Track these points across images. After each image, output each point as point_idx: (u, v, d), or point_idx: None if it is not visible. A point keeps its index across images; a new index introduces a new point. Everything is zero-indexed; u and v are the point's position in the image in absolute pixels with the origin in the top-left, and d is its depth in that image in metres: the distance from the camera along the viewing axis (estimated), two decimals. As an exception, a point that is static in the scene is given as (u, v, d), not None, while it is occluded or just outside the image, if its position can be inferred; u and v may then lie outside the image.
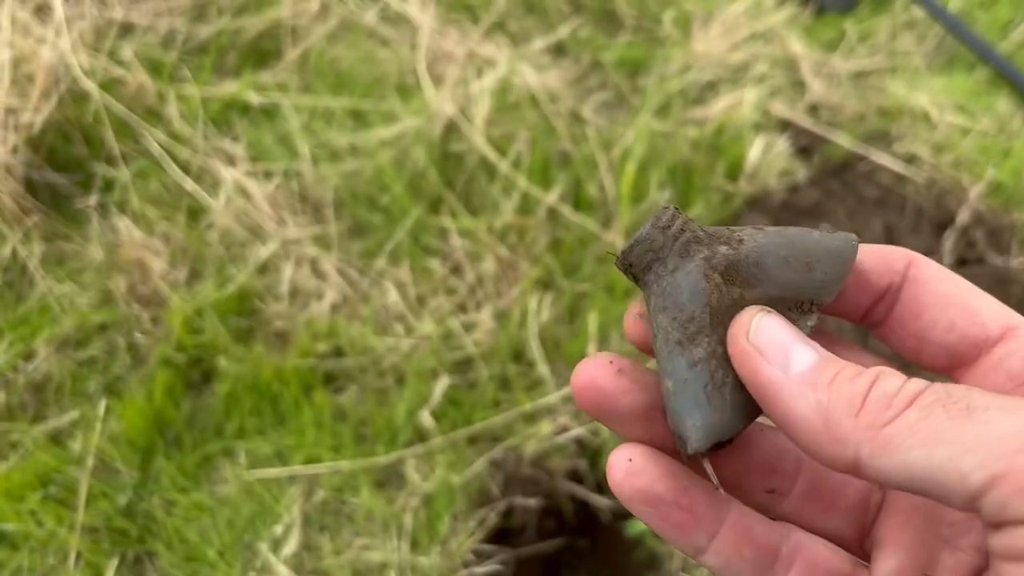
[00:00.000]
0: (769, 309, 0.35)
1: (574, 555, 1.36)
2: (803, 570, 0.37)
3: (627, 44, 1.70)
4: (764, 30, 1.70)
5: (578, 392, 0.36)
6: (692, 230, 0.37)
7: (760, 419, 0.38)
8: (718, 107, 1.52)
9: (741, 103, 1.53)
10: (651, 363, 0.38)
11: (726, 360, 0.35)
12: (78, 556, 1.10)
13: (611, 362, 0.36)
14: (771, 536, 0.37)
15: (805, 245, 0.37)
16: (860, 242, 0.38)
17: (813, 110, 1.59)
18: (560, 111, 1.47)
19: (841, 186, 1.46)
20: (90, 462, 1.16)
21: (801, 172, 1.49)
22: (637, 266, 0.37)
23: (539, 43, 1.69)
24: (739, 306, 0.36)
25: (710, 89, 1.61)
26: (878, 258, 0.37)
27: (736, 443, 0.38)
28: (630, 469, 0.35)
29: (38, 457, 1.18)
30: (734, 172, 1.46)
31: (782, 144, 1.50)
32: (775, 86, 1.61)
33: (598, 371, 0.36)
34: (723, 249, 0.36)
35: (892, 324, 0.37)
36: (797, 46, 1.66)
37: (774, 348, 0.32)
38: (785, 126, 1.55)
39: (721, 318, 0.35)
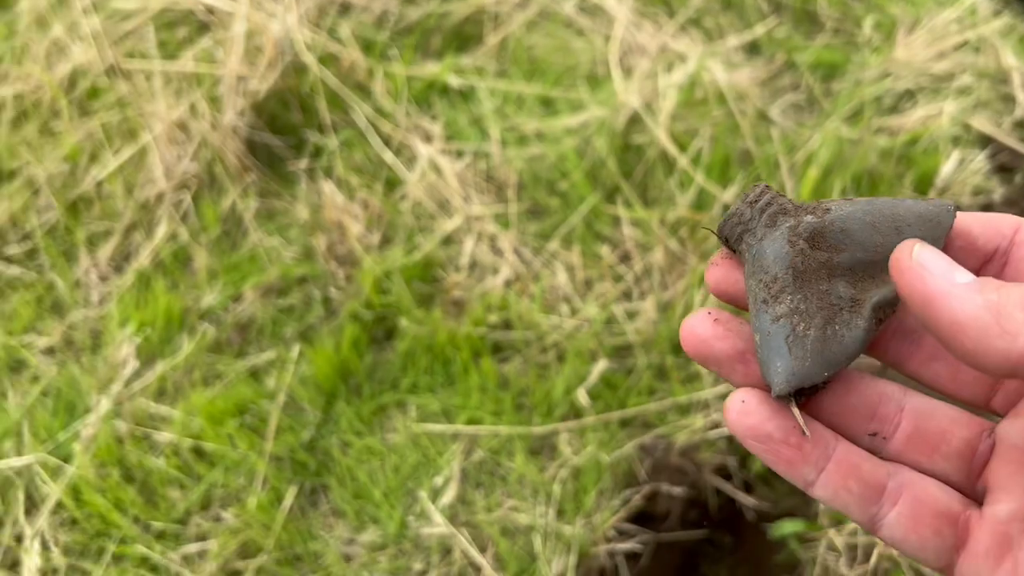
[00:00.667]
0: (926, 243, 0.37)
1: (713, 548, 1.38)
2: (909, 505, 0.39)
3: (825, 46, 1.67)
4: (975, 39, 1.62)
5: (683, 339, 0.41)
6: (780, 203, 0.40)
7: (859, 366, 0.41)
8: (914, 117, 1.47)
9: (940, 114, 1.48)
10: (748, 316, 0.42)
11: (808, 316, 0.38)
12: (264, 480, 1.24)
13: (709, 313, 0.41)
14: (878, 472, 0.39)
15: (895, 211, 0.39)
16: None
17: (1020, 127, 1.51)
18: (746, 110, 1.47)
19: (1042, 209, 1.38)
20: (281, 399, 1.30)
21: (998, 191, 1.42)
22: (731, 238, 0.42)
23: (733, 40, 1.69)
24: (826, 268, 0.39)
25: (908, 98, 1.55)
26: (986, 224, 0.39)
27: (832, 389, 0.41)
28: (743, 409, 0.39)
29: (237, 388, 1.33)
30: (923, 186, 1.41)
31: (980, 160, 1.43)
32: (980, 99, 1.54)
33: (698, 321, 0.41)
34: (808, 218, 0.40)
35: None
36: (1010, 58, 1.57)
37: (938, 265, 0.35)
38: (986, 142, 1.48)
39: (806, 279, 0.39)
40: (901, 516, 0.39)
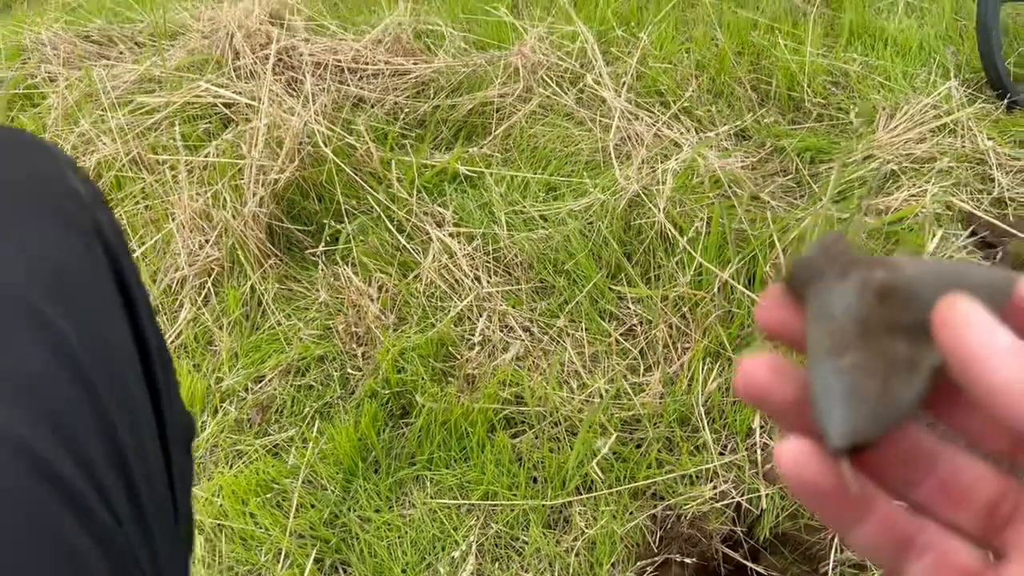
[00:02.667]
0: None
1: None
2: (934, 561, 0.40)
3: (810, 131, 1.77)
4: (952, 123, 1.73)
5: (739, 385, 0.41)
6: (852, 255, 0.41)
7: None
8: (899, 197, 1.56)
9: (923, 194, 1.56)
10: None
11: (869, 372, 0.39)
12: (287, 555, 1.28)
13: (766, 360, 0.41)
14: (910, 527, 0.41)
15: (961, 276, 0.40)
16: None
17: (999, 204, 1.60)
18: (740, 193, 1.56)
19: (1024, 283, 1.45)
20: (302, 476, 1.35)
21: (982, 266, 1.49)
22: (798, 282, 0.41)
23: (723, 128, 1.79)
24: (891, 327, 0.40)
25: (892, 180, 1.65)
26: None
27: (880, 444, 0.41)
28: (794, 459, 0.39)
29: (260, 467, 1.38)
30: (911, 262, 1.49)
31: (963, 238, 1.52)
32: (960, 179, 1.63)
33: (755, 368, 0.41)
34: (880, 273, 0.40)
35: None
36: (986, 140, 1.67)
37: (979, 322, 0.35)
38: (968, 220, 1.57)
39: (870, 336, 0.39)
40: (925, 568, 0.40)
